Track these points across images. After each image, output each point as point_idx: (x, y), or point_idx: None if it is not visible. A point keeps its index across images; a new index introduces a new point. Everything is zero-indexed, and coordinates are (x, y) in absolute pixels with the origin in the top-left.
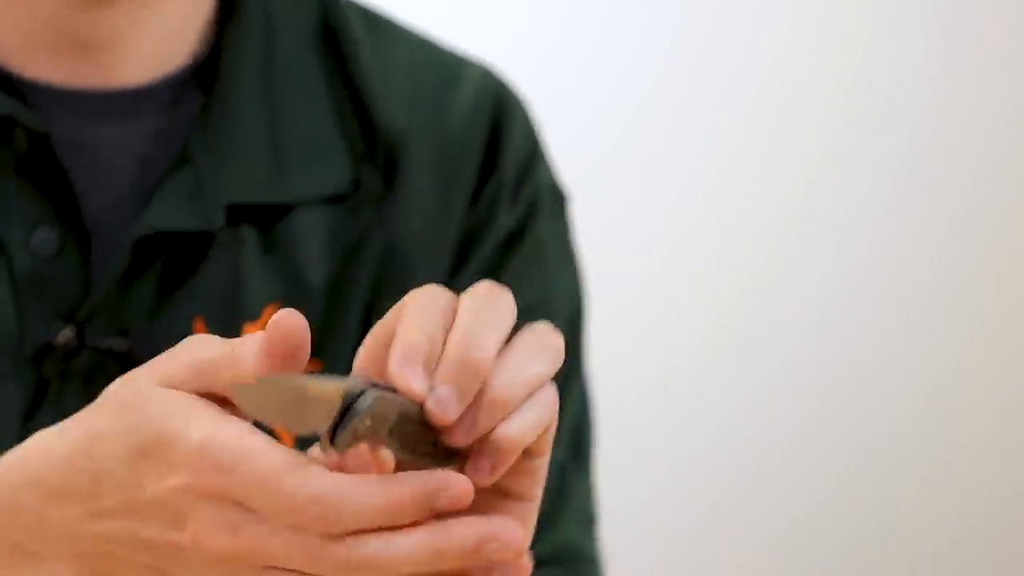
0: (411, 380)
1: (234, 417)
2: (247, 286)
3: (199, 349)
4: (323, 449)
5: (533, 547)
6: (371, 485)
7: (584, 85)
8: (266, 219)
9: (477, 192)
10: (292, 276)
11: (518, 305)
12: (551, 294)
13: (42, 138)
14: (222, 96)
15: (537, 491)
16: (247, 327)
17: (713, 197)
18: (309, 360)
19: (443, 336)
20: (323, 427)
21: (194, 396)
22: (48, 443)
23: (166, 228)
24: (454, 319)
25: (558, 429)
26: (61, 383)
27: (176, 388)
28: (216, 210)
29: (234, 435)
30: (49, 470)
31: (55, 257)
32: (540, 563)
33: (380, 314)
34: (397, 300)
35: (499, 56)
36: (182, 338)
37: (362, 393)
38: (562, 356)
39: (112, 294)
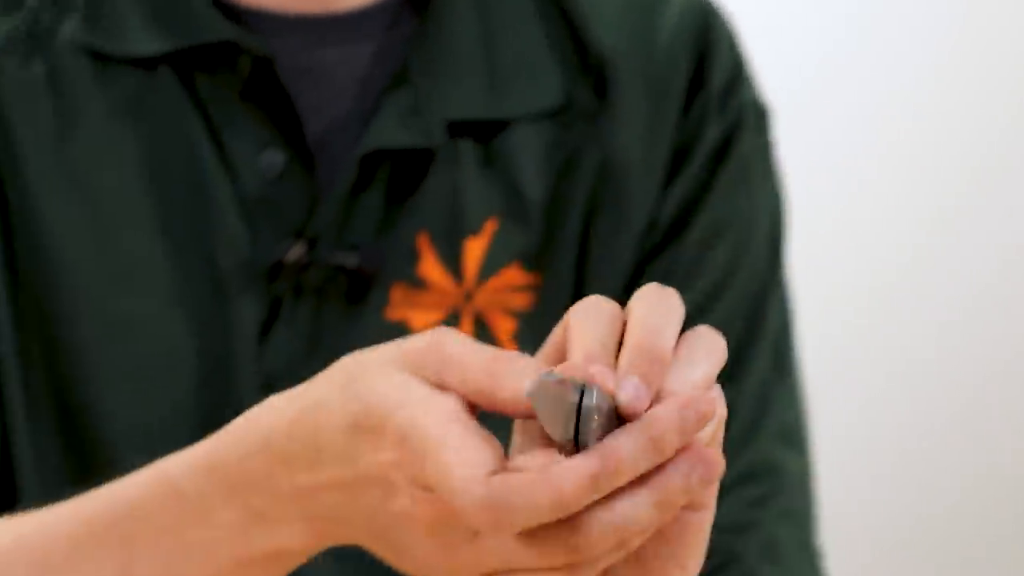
0: (604, 375)
1: (450, 400)
2: (467, 200)
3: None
4: (562, 448)
5: (731, 465)
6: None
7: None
8: (483, 135)
9: (686, 108)
10: (510, 190)
11: (724, 218)
12: (755, 209)
13: (266, 63)
14: (437, 17)
15: (710, 500)
16: (468, 241)
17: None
18: (528, 272)
19: (615, 343)
20: (568, 426)
21: (413, 376)
22: (277, 408)
23: (389, 146)
24: (622, 327)
25: (760, 345)
26: (294, 299)
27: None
28: (436, 127)
29: (435, 422)
30: (277, 435)
31: (281, 178)
32: (738, 480)
33: (597, 229)
34: (613, 215)
35: None
36: (407, 252)
37: (583, 390)
38: (725, 358)
39: (340, 211)
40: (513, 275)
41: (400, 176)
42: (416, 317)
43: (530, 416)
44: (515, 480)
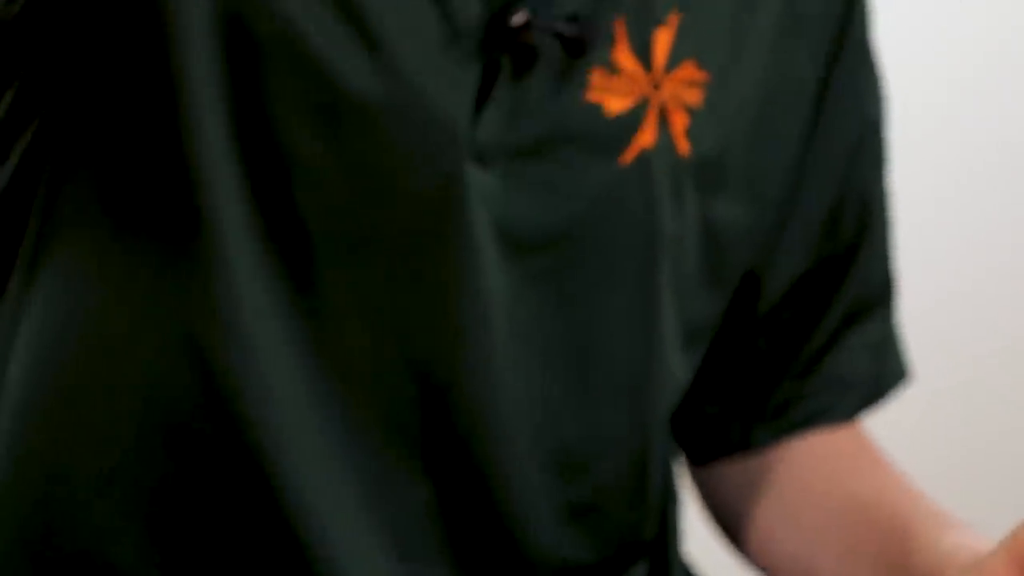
0: None
1: None
2: None
3: None
4: None
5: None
6: None
7: None
8: None
9: None
10: None
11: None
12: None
13: None
14: None
15: None
16: (658, 30)
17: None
18: (701, 70)
19: None
20: None
21: None
22: None
23: None
24: None
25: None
26: (510, 67)
27: None
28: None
29: None
30: None
31: None
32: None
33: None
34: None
35: None
36: (606, 37)
37: None
38: None
39: None
40: (691, 70)
41: None
42: (611, 101)
43: None
44: None
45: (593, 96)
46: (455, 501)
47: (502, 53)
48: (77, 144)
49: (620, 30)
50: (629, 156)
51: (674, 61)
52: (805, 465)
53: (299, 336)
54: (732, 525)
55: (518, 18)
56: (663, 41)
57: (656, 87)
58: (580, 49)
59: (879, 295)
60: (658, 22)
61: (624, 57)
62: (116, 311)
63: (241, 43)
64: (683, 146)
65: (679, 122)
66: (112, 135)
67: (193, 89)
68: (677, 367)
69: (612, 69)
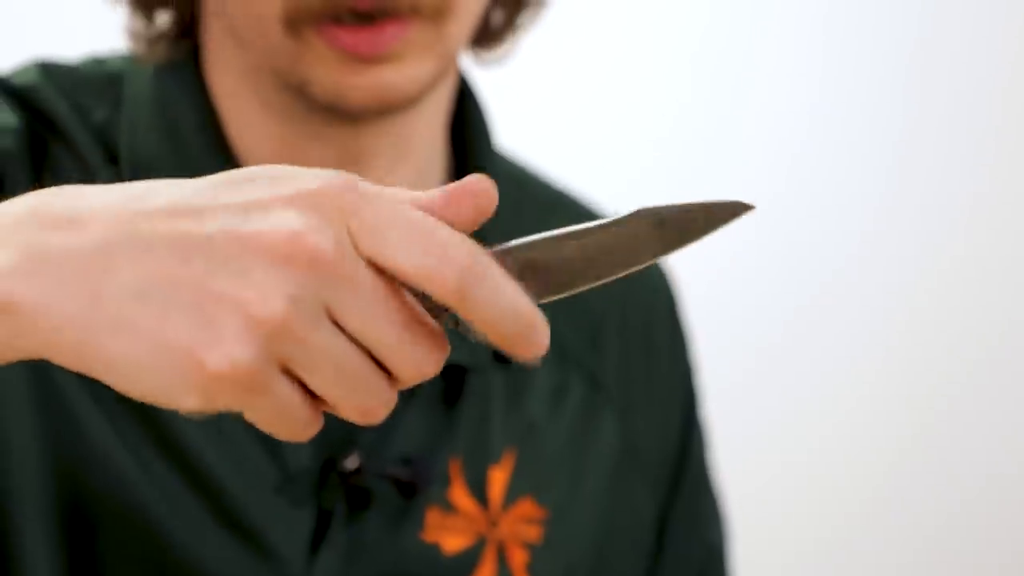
0: None
1: None
2: (492, 428)
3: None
4: None
5: None
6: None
7: (839, 165)
8: (509, 364)
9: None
10: (525, 422)
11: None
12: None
13: None
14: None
15: None
16: (492, 470)
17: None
18: (540, 506)
19: None
20: None
21: None
22: None
23: (449, 361)
24: None
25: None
26: (344, 512)
27: None
28: (483, 347)
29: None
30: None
31: None
32: None
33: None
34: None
35: (770, 137)
36: (441, 477)
37: None
38: None
39: (390, 422)
40: (528, 507)
41: (445, 393)
42: (448, 540)
43: None
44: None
45: (430, 535)
46: None
47: (335, 496)
48: None
49: (455, 469)
50: None
51: (511, 498)
52: None
53: None
54: None
55: (350, 463)
56: (499, 479)
57: (494, 525)
58: (412, 491)
59: None
60: (493, 460)
61: (460, 496)
62: None
63: (78, 518)
64: None
65: (518, 559)
66: None
67: (28, 557)
68: None
69: (448, 508)
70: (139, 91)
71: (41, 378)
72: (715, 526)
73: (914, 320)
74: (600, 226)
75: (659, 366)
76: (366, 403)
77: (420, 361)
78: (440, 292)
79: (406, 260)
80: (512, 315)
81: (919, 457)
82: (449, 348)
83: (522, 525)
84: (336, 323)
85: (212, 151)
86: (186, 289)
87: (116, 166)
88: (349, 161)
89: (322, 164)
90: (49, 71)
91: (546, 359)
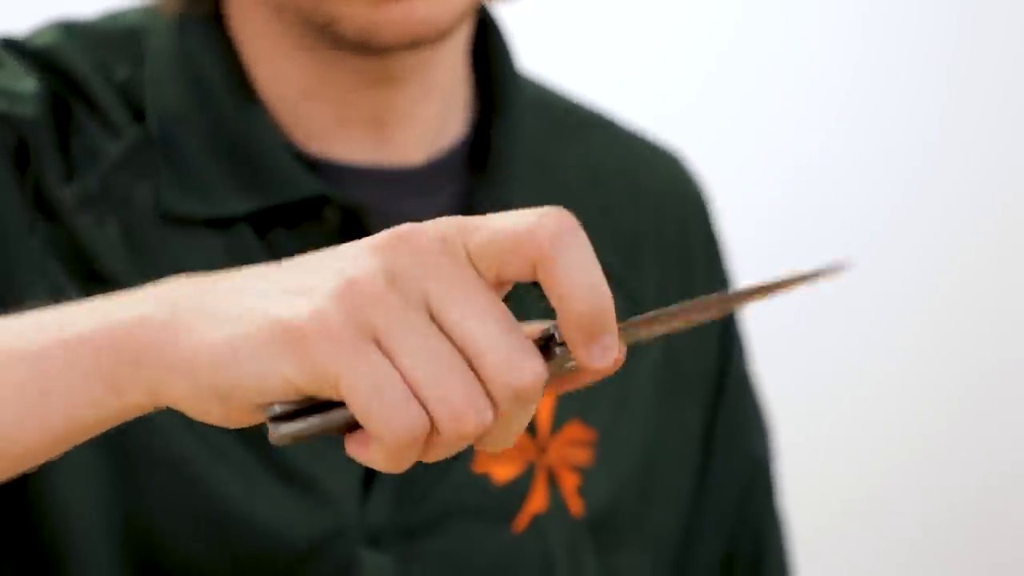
0: None
1: None
2: None
3: None
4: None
5: None
6: None
7: (864, 154)
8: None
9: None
10: None
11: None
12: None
13: (353, 214)
14: (498, 176)
15: None
16: None
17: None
18: (587, 428)
19: None
20: None
21: None
22: None
23: None
24: None
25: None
26: None
27: None
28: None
29: None
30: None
31: None
32: None
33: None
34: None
35: (786, 129)
36: None
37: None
38: None
39: None
40: (577, 430)
41: None
42: (498, 470)
43: None
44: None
45: (480, 466)
46: None
47: None
48: None
49: None
50: (522, 523)
51: (558, 423)
52: None
53: None
54: None
55: None
56: (545, 405)
57: (543, 451)
58: None
59: None
60: None
61: None
62: None
63: (126, 474)
64: (576, 506)
65: (569, 482)
66: None
67: None
68: None
69: None
70: (161, 44)
71: None
72: (760, 438)
73: (929, 321)
74: (703, 303)
75: (696, 280)
76: (454, 397)
77: (516, 366)
78: (535, 251)
79: (502, 229)
80: (590, 290)
81: (931, 451)
82: (547, 370)
83: (571, 448)
84: (434, 320)
85: (239, 99)
86: (287, 276)
87: (142, 123)
88: (379, 98)
89: (351, 105)
90: (70, 30)
91: None
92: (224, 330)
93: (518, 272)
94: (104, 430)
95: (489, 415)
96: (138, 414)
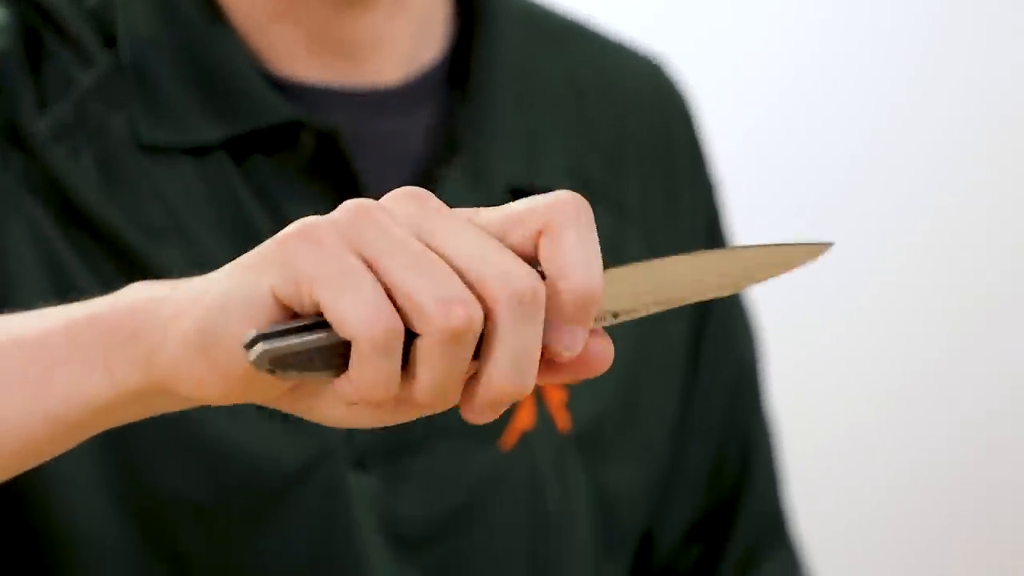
0: None
1: None
2: None
3: None
4: None
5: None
6: None
7: (841, 89)
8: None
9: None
10: None
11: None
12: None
13: (329, 138)
14: (479, 88)
15: None
16: None
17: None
18: None
19: None
20: None
21: None
22: None
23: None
24: None
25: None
26: None
27: None
28: (497, 192)
29: None
30: None
31: None
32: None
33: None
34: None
35: (764, 67)
36: None
37: None
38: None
39: None
40: None
41: None
42: None
43: None
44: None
45: None
46: None
47: None
48: None
49: None
50: (509, 440)
51: None
52: None
53: None
54: None
55: None
56: None
57: None
58: None
59: (771, 533)
60: None
61: None
62: None
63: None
64: (563, 421)
65: (556, 397)
66: None
67: None
68: None
69: None
70: None
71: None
72: (747, 341)
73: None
74: (675, 259)
75: (681, 186)
76: (444, 292)
77: (514, 274)
78: (546, 218)
79: (514, 206)
80: (586, 268)
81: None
82: (543, 286)
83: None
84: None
85: (209, 21)
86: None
87: (113, 49)
88: (350, 20)
89: (322, 27)
90: None
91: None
92: (211, 277)
93: (521, 239)
94: (104, 424)
95: (477, 308)
96: (136, 403)
